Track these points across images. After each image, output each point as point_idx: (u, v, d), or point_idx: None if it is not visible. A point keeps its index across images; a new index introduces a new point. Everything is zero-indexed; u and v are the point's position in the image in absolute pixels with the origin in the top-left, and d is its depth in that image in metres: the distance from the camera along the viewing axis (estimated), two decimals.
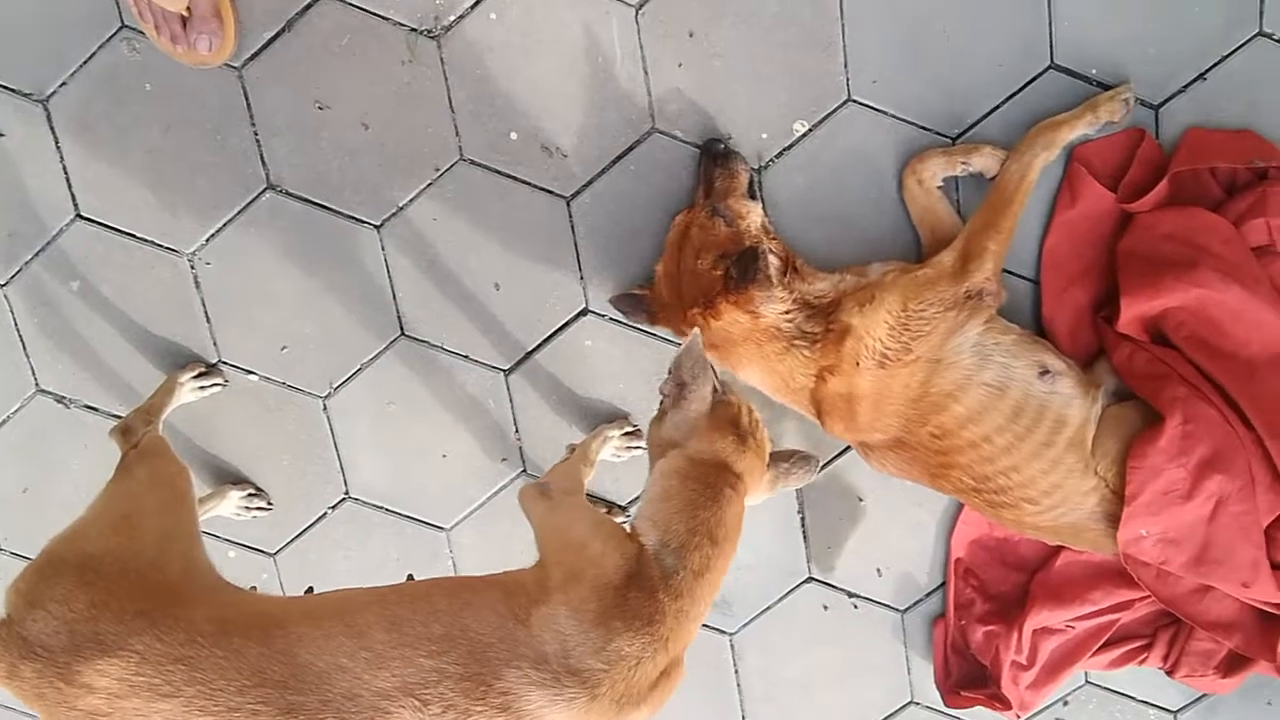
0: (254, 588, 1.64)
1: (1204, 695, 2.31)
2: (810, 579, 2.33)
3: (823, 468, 2.25)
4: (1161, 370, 1.87)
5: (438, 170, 2.11)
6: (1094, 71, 1.95)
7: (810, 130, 2.03)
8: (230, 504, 2.33)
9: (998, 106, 1.98)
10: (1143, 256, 1.91)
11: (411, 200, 2.14)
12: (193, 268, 2.27)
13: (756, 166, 2.05)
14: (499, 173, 2.11)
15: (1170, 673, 2.18)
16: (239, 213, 2.18)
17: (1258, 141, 1.94)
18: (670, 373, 1.61)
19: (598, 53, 2.02)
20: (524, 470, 2.33)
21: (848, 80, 2.00)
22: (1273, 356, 1.88)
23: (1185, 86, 1.96)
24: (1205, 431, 1.81)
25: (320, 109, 2.10)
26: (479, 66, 2.04)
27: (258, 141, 2.16)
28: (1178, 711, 2.36)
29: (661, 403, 1.66)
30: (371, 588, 1.53)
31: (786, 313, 1.88)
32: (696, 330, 1.64)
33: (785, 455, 1.75)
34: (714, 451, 1.56)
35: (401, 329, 2.23)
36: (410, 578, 1.73)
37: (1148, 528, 1.85)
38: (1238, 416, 1.84)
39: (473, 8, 2.07)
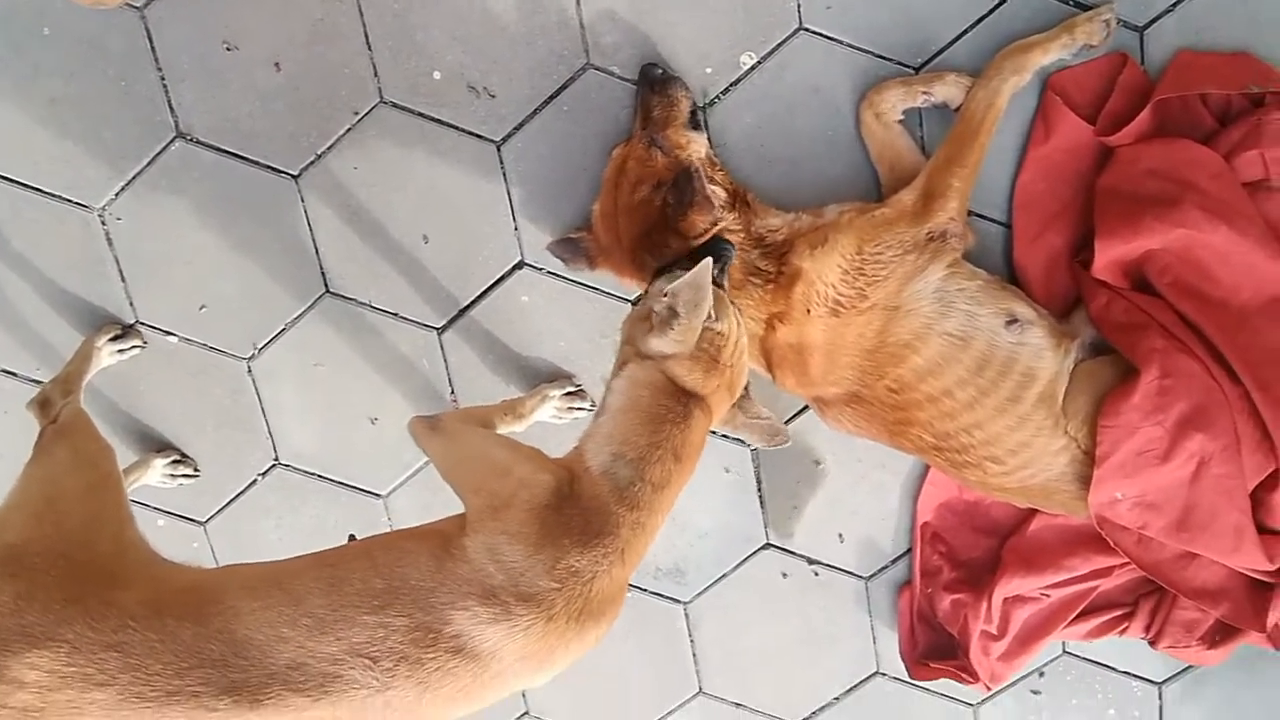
0: (352, 536, 1.70)
1: (1190, 666, 2.26)
2: (768, 545, 2.28)
3: None
4: (1140, 320, 1.79)
5: (356, 114, 2.02)
6: None
7: (759, 63, 1.93)
8: (156, 472, 2.29)
9: (964, 32, 1.87)
10: (1123, 194, 1.81)
11: (330, 147, 2.05)
12: (104, 223, 2.16)
13: (702, 104, 1.96)
14: (423, 116, 2.01)
15: (1153, 643, 2.12)
16: (148, 164, 2.09)
17: (1254, 64, 1.83)
18: (666, 295, 1.54)
19: None
20: None
21: (799, 6, 1.89)
22: (1265, 303, 1.79)
23: (1173, 5, 1.84)
24: (1185, 386, 1.73)
25: (229, 49, 2.00)
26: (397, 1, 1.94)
27: (165, 87, 2.05)
28: (1162, 683, 2.31)
29: (647, 312, 1.60)
30: (308, 553, 1.51)
31: (740, 244, 1.80)
32: (708, 260, 1.53)
33: (755, 409, 1.73)
34: (691, 378, 1.53)
35: (326, 286, 2.16)
36: (351, 538, 1.69)
37: (1123, 490, 1.78)
38: (1223, 370, 1.76)
39: None
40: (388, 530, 2.33)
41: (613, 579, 1.42)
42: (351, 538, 1.70)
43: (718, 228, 1.79)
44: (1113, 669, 2.31)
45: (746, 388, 1.68)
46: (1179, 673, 2.29)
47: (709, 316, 1.53)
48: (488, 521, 1.42)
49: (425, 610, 1.34)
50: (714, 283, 1.56)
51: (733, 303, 1.67)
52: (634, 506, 1.44)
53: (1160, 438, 1.75)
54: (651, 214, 1.80)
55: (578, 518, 1.41)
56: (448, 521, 1.51)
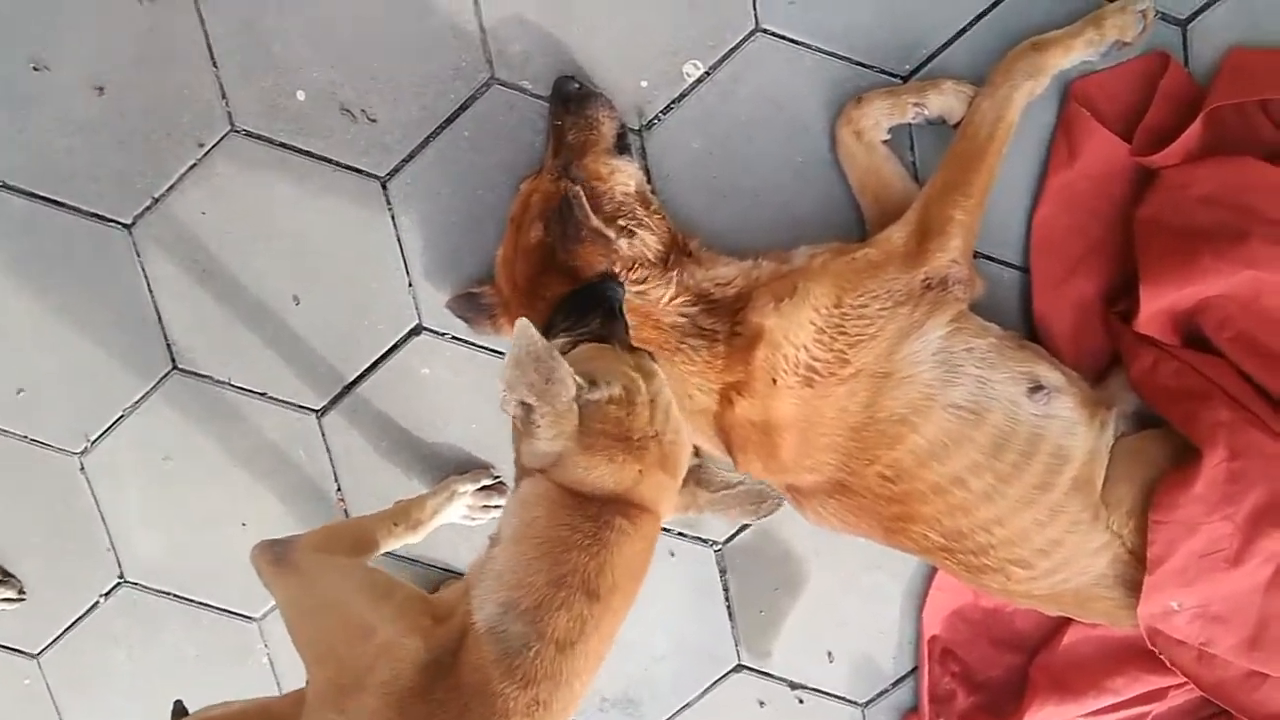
0: (178, 704, 1.50)
1: None
2: (740, 667, 2.04)
3: (746, 524, 1.96)
4: (1197, 385, 1.61)
5: (202, 146, 1.80)
6: None
7: (707, 73, 1.74)
8: None
9: (964, 30, 1.69)
10: (1171, 228, 1.63)
11: (170, 188, 1.83)
12: None
13: (637, 125, 1.74)
14: (285, 146, 1.79)
15: None
16: None
17: None
18: (506, 389, 1.26)
19: None
20: None
21: (755, 2, 1.71)
22: None
23: None
24: (1261, 471, 1.54)
25: (37, 70, 1.80)
26: (248, 4, 1.74)
27: None
28: None
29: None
30: None
31: (670, 300, 1.63)
32: (522, 321, 1.27)
33: (719, 482, 1.49)
34: (595, 477, 1.24)
35: (173, 361, 1.93)
36: (177, 705, 1.46)
37: (1180, 600, 1.60)
38: None
39: None
40: (263, 672, 2.08)
41: None
42: (177, 705, 1.46)
43: (634, 280, 1.60)
44: None
45: (698, 453, 1.40)
46: None
47: (582, 387, 1.24)
48: (328, 713, 1.18)
49: None
50: (599, 337, 1.36)
51: (644, 353, 1.41)
52: (528, 681, 1.16)
53: (1229, 535, 1.55)
54: (546, 257, 1.62)
55: (452, 704, 1.15)
56: (285, 700, 1.28)
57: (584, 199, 1.58)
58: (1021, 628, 1.93)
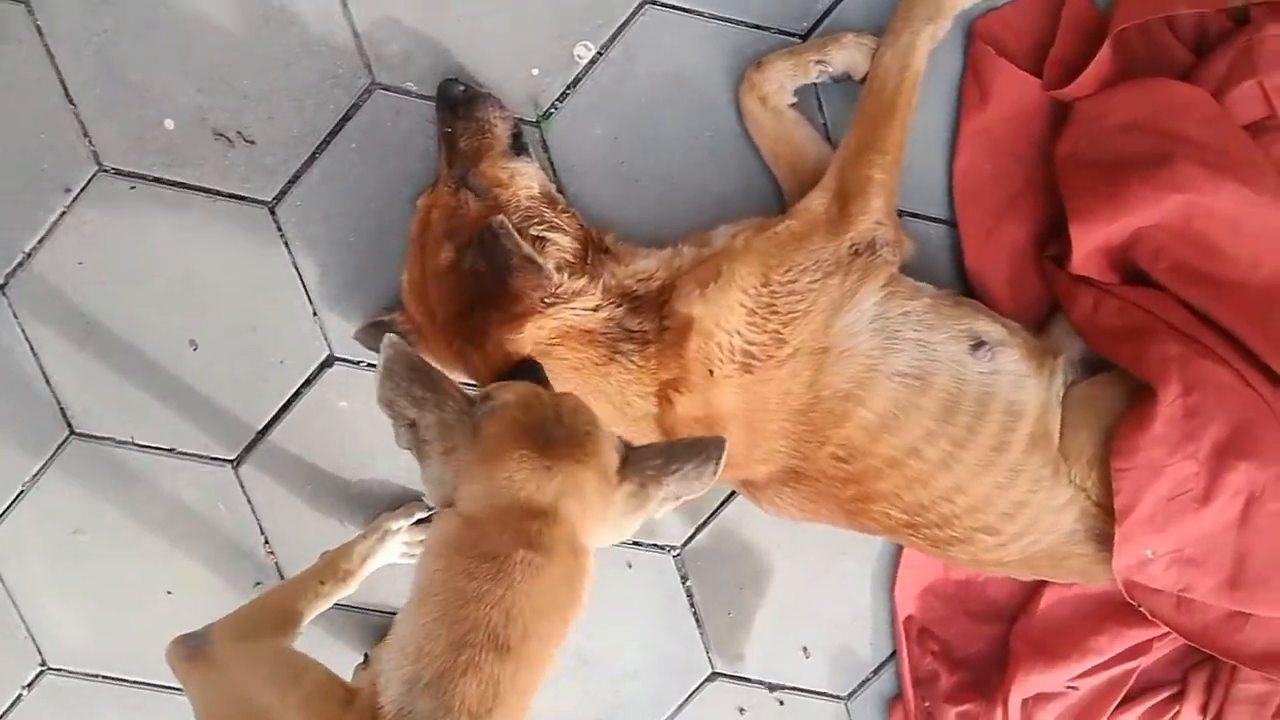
0: None
1: None
2: (715, 675, 1.96)
3: (702, 525, 1.88)
4: (1141, 321, 1.57)
5: (69, 192, 1.68)
6: None
7: (600, 53, 1.65)
8: None
9: None
10: (1093, 162, 1.59)
11: (41, 241, 1.69)
12: None
13: (534, 117, 1.65)
14: (160, 181, 1.67)
15: None
16: None
17: None
18: (387, 409, 1.13)
19: None
20: None
21: None
22: None
23: None
24: (1216, 402, 1.50)
25: None
26: (96, 30, 1.61)
27: None
28: None
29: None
30: None
31: (597, 308, 1.54)
32: (389, 337, 1.15)
33: (658, 450, 1.21)
34: (496, 492, 1.09)
35: (69, 426, 1.80)
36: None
37: (1154, 546, 1.56)
38: (1259, 372, 1.52)
39: None
40: None
41: None
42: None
43: (558, 295, 1.49)
44: None
45: (624, 444, 1.21)
46: None
47: (473, 401, 1.12)
48: None
49: None
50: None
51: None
52: None
53: (1195, 474, 1.51)
54: (465, 285, 1.50)
55: None
56: None
57: (509, 227, 1.48)
58: (996, 597, 1.88)
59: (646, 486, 1.17)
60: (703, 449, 1.19)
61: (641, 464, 1.17)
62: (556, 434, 1.10)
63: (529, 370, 1.34)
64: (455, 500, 1.11)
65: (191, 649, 1.26)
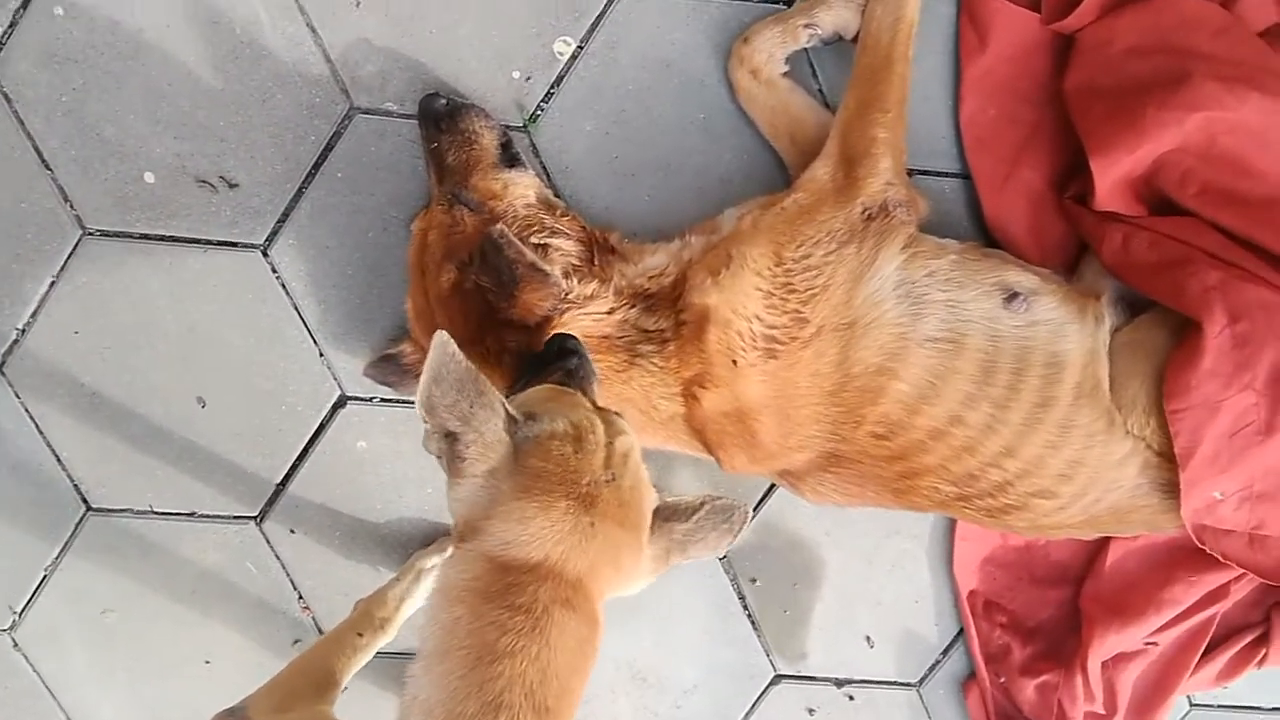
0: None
1: None
2: (779, 677, 1.89)
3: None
4: (1176, 253, 1.49)
5: (56, 261, 1.62)
6: None
7: (581, 47, 1.59)
8: None
9: None
10: (1105, 91, 1.51)
11: (34, 315, 1.64)
12: None
13: (521, 122, 1.59)
14: (146, 237, 1.62)
15: None
16: None
17: None
18: (425, 413, 1.06)
19: (233, 20, 1.53)
20: None
21: None
22: None
23: None
24: (1266, 326, 1.43)
25: None
26: (64, 90, 1.55)
27: None
28: None
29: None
30: None
31: (610, 311, 1.48)
32: (440, 334, 1.06)
33: (685, 509, 1.21)
34: (532, 541, 1.01)
35: (85, 502, 1.75)
36: None
37: (1221, 488, 1.48)
38: None
39: (24, 6, 1.50)
40: None
41: None
42: None
43: (570, 301, 1.42)
44: (1259, 709, 1.93)
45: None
46: None
47: (517, 419, 1.05)
48: None
49: None
50: (568, 382, 1.18)
51: (612, 412, 1.19)
52: None
53: (1254, 405, 1.44)
54: (472, 304, 1.43)
55: None
56: None
57: (510, 235, 1.41)
58: (1060, 559, 1.81)
59: (670, 551, 1.16)
60: (728, 517, 1.19)
61: (670, 528, 1.16)
62: (604, 488, 1.04)
63: (562, 346, 1.26)
64: (481, 529, 1.03)
65: None
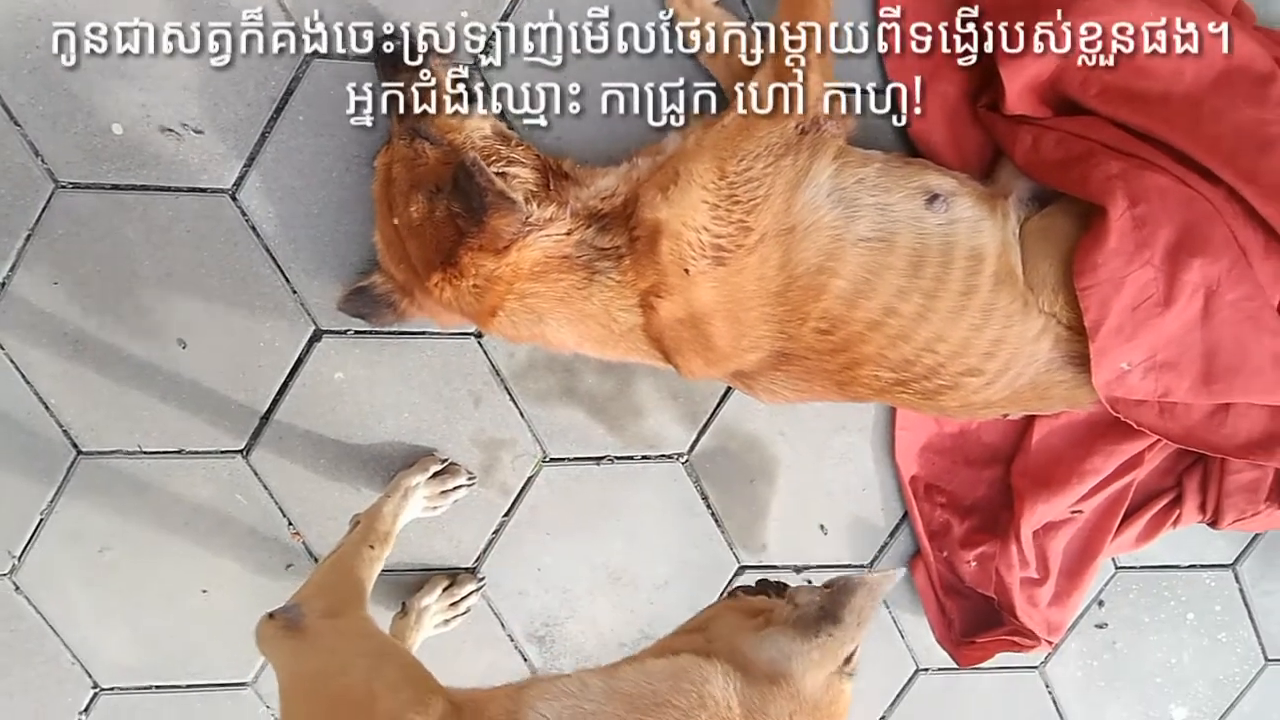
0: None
1: (1257, 536, 2.06)
2: (743, 568, 1.98)
3: (704, 427, 1.89)
4: (1081, 149, 1.57)
5: (30, 224, 1.62)
6: None
7: None
8: None
9: None
10: (1013, 6, 1.57)
11: (13, 269, 1.64)
12: None
13: (474, 64, 1.62)
14: (118, 187, 1.62)
15: (1214, 524, 1.91)
16: None
17: None
18: (821, 594, 1.08)
19: None
20: None
21: None
22: (1215, 79, 1.56)
23: None
24: (1161, 207, 1.51)
25: None
26: (29, 48, 1.55)
27: None
28: (1235, 564, 2.10)
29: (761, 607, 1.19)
30: None
31: (569, 233, 1.53)
32: (893, 572, 1.11)
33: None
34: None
35: (75, 447, 1.75)
36: None
37: (1128, 358, 1.57)
38: (1196, 173, 1.54)
39: None
40: None
41: None
42: None
43: (531, 224, 1.47)
44: (1176, 568, 2.07)
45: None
46: (1248, 546, 2.06)
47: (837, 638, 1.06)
48: None
49: None
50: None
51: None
52: None
53: (1153, 279, 1.52)
54: (443, 231, 1.47)
55: None
56: None
57: (481, 164, 1.45)
58: (991, 441, 1.90)
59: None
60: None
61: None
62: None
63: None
64: (765, 672, 1.03)
65: (289, 621, 1.25)
